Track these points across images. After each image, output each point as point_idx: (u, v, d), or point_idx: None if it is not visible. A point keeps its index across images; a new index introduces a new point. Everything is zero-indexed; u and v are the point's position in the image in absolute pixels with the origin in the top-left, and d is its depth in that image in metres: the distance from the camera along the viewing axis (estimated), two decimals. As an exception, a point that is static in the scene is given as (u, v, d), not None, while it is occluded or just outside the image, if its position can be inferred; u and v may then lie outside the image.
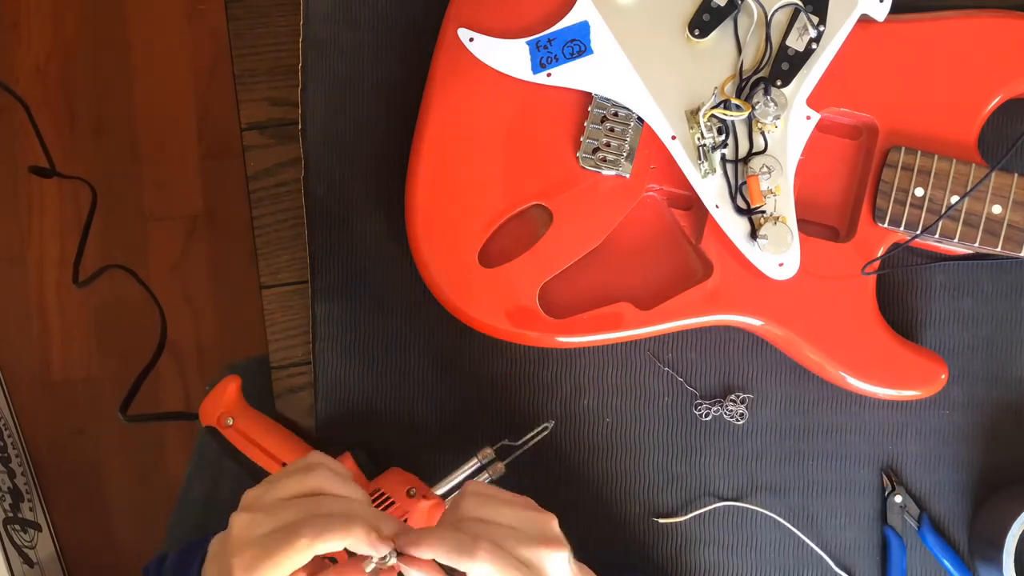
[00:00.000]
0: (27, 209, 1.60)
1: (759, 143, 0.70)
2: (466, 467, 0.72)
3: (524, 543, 0.55)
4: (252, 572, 0.53)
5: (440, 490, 0.72)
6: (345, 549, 0.55)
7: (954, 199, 0.70)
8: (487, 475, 0.72)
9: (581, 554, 0.67)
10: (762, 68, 0.71)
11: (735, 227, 0.70)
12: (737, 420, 0.76)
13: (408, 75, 0.76)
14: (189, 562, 0.67)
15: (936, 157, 0.71)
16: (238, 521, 0.56)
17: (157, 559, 0.72)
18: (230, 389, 0.74)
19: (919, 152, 0.71)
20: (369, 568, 0.55)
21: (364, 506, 0.57)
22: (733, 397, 0.76)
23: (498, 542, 0.54)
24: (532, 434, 0.75)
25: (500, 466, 0.72)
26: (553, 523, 0.57)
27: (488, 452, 0.72)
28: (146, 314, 1.58)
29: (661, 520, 0.77)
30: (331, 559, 0.58)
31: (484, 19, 0.72)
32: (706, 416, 0.76)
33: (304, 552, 0.53)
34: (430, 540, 0.54)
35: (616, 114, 0.72)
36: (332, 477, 0.58)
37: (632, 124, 0.72)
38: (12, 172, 1.59)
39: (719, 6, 0.71)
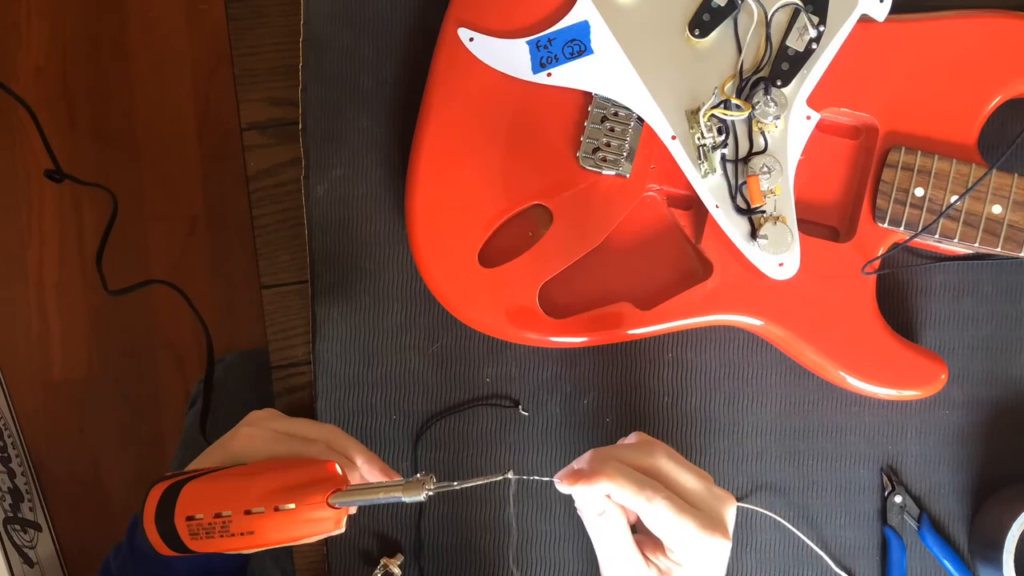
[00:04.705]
0: (27, 209, 1.60)
1: (759, 143, 0.70)
2: (385, 483, 0.58)
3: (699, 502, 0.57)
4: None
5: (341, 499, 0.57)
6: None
7: (954, 199, 0.70)
8: (403, 493, 0.57)
9: (580, 558, 0.67)
10: (762, 68, 0.71)
11: (735, 227, 0.70)
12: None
13: (408, 75, 0.76)
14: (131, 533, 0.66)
15: (936, 157, 0.70)
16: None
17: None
18: None
19: (919, 152, 0.71)
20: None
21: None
22: None
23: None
24: (481, 479, 0.59)
25: (431, 485, 0.57)
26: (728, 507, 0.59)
27: (424, 478, 0.57)
28: (145, 314, 1.58)
29: (661, 520, 0.77)
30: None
31: (484, 19, 0.72)
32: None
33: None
34: (611, 472, 0.56)
35: (616, 114, 0.72)
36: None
37: (632, 124, 0.72)
38: (12, 172, 1.59)
39: (719, 6, 0.71)
